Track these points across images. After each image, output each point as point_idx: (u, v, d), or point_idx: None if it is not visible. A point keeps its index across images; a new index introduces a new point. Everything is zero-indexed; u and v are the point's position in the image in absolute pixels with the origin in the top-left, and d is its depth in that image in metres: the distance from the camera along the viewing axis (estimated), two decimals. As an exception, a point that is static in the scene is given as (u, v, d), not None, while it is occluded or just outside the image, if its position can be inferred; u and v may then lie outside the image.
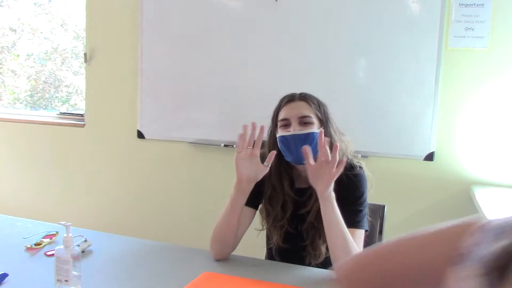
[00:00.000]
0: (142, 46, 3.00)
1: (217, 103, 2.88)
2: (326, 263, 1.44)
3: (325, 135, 1.36)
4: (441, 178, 2.55)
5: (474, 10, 2.42)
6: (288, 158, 1.44)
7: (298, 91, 1.54)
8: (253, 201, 1.50)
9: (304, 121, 1.41)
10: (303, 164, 1.39)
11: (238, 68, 2.82)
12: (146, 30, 2.99)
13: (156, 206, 3.14)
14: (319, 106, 1.46)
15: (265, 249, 1.66)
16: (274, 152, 1.40)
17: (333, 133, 1.46)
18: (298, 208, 1.49)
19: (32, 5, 3.67)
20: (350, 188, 1.44)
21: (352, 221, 1.38)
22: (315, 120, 1.43)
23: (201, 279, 1.31)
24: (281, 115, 1.45)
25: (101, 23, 3.16)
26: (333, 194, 1.35)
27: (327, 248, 1.44)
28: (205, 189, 3.01)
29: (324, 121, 1.45)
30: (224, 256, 1.47)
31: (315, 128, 1.41)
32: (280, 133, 1.44)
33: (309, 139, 1.38)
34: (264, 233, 1.60)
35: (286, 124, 1.43)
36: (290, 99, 1.46)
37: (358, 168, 1.47)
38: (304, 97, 1.46)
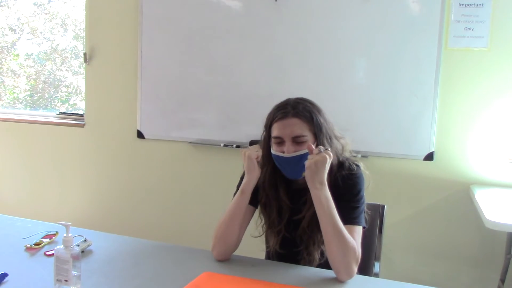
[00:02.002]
0: (142, 46, 3.01)
1: (217, 103, 2.88)
2: (325, 264, 1.44)
3: (316, 146, 1.42)
4: (440, 178, 2.55)
5: (473, 10, 2.43)
6: (283, 172, 1.49)
7: (293, 93, 1.57)
8: (252, 200, 1.52)
9: (297, 141, 1.44)
10: (297, 179, 1.47)
11: (238, 68, 2.82)
12: (146, 30, 2.99)
13: (156, 206, 3.14)
14: (312, 118, 1.46)
15: (265, 249, 1.67)
16: (258, 156, 1.50)
17: (325, 142, 1.47)
18: (293, 214, 1.52)
19: (32, 5, 3.67)
20: (346, 186, 1.46)
21: (349, 217, 1.40)
22: (308, 137, 1.45)
23: (201, 279, 1.31)
24: (274, 131, 1.47)
25: (101, 23, 3.16)
26: (323, 191, 1.37)
27: (321, 254, 1.47)
28: (205, 189, 3.01)
29: (317, 133, 1.46)
30: (226, 256, 1.48)
31: (309, 143, 1.44)
32: (274, 150, 1.47)
33: (302, 159, 1.42)
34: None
35: (280, 142, 1.46)
36: (282, 116, 1.46)
37: (355, 167, 1.50)
38: (297, 114, 1.45)
